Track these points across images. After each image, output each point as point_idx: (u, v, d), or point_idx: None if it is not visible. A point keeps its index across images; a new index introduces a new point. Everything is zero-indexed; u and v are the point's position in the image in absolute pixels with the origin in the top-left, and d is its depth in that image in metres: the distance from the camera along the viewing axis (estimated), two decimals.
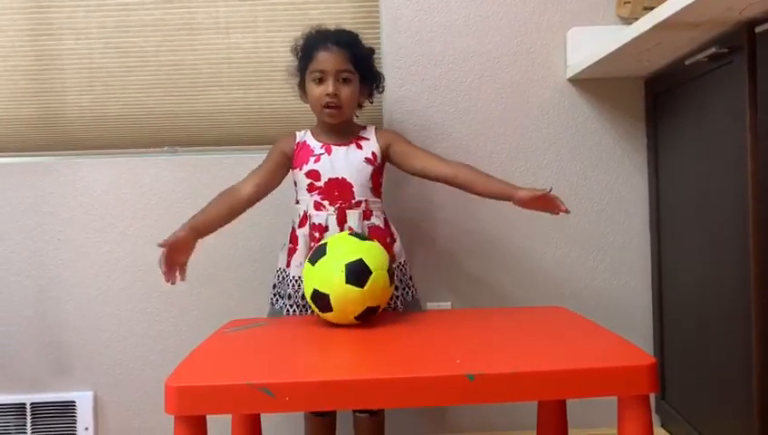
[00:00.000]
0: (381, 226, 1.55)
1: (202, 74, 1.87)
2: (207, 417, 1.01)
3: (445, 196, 1.83)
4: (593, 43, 1.74)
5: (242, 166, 1.83)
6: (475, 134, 1.84)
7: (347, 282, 1.25)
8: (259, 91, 1.87)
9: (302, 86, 1.59)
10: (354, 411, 1.62)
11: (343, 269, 1.26)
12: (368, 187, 1.55)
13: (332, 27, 1.57)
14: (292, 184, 1.59)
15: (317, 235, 1.51)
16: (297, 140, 1.59)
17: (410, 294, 1.60)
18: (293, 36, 1.58)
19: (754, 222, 1.29)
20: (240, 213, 1.54)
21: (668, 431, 1.79)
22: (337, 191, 1.53)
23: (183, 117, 1.88)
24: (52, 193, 1.84)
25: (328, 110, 1.52)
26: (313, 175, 1.54)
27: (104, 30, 1.86)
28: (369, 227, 1.53)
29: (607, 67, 1.70)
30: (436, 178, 1.56)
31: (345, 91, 1.52)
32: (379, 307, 1.32)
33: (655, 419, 1.76)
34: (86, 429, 1.84)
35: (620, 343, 1.15)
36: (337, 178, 1.53)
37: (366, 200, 1.54)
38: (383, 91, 1.66)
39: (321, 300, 1.29)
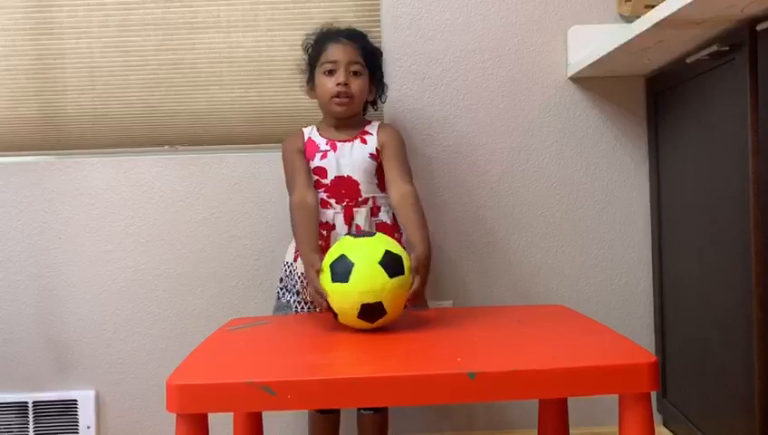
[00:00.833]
0: (389, 222, 1.56)
1: (203, 73, 1.87)
2: (209, 415, 1.01)
3: (446, 195, 1.84)
4: (594, 41, 1.74)
5: (242, 165, 1.84)
6: (476, 132, 1.84)
7: (333, 281, 1.22)
8: (260, 89, 1.87)
9: (310, 82, 1.59)
10: (358, 408, 1.62)
11: (328, 270, 1.23)
12: (374, 183, 1.55)
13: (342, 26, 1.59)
14: None
15: (324, 233, 1.51)
16: (306, 136, 1.59)
17: None
18: (294, 35, 1.59)
19: (755, 220, 1.29)
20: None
21: (670, 429, 1.79)
22: (343, 190, 1.53)
23: (184, 116, 1.87)
24: (53, 192, 1.84)
25: (338, 99, 1.52)
26: (320, 172, 1.54)
27: (105, 29, 1.86)
28: (376, 224, 1.53)
29: (608, 65, 1.70)
30: (389, 195, 1.54)
31: (356, 84, 1.53)
32: (381, 303, 1.19)
33: (656, 417, 1.76)
34: (88, 427, 1.84)
35: (621, 341, 1.15)
36: (343, 177, 1.53)
37: (373, 197, 1.55)
38: (386, 100, 1.67)
39: (330, 309, 1.26)
